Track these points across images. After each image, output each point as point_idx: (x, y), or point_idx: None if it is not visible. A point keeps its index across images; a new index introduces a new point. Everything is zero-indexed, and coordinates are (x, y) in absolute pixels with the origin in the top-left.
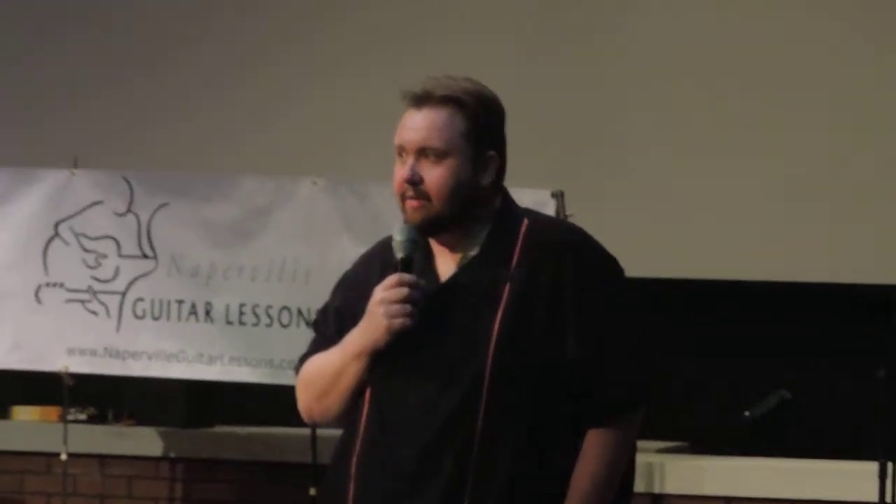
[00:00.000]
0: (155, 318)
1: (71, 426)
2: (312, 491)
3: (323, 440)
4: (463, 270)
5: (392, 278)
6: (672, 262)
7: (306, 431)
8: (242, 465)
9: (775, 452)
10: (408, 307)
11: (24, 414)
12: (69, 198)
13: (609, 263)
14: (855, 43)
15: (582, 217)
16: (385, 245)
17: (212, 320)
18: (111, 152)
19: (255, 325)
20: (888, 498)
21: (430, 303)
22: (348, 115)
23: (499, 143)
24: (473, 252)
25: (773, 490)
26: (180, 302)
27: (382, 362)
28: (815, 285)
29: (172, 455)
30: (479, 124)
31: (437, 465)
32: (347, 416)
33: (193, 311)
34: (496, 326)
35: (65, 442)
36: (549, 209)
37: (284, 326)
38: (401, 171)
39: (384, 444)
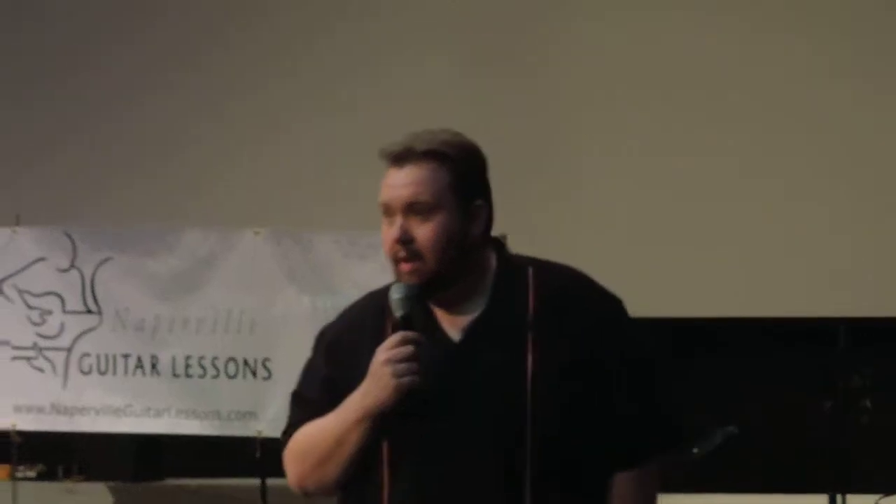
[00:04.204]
0: (101, 373)
1: (20, 483)
2: None
3: (273, 490)
4: (476, 327)
5: (395, 337)
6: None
7: (255, 482)
8: None
9: (725, 488)
10: (414, 365)
11: None
12: (12, 255)
13: (623, 308)
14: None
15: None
16: (374, 306)
17: (158, 373)
18: (53, 210)
19: (202, 376)
20: None
21: (446, 366)
22: (291, 167)
23: (485, 192)
24: (480, 307)
25: None
26: (126, 356)
27: (389, 419)
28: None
29: None
30: (464, 174)
31: None
32: (345, 484)
33: (140, 364)
34: (528, 381)
35: (14, 500)
36: None
37: (231, 377)
38: (390, 231)
39: None
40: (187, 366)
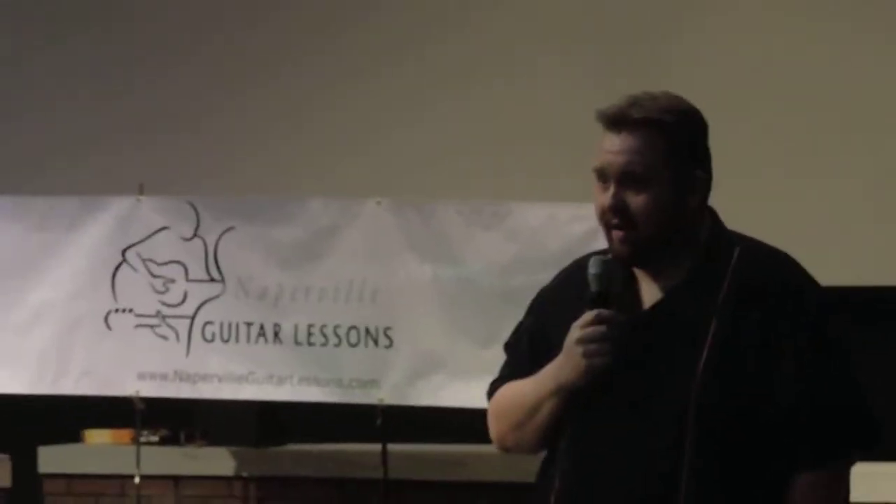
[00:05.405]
0: (224, 341)
1: (144, 448)
2: None
3: (394, 455)
4: (667, 299)
5: (589, 315)
6: None
7: (377, 447)
8: (314, 482)
9: None
10: (606, 346)
11: (97, 437)
12: (136, 224)
13: (818, 300)
14: None
15: None
16: (581, 267)
17: (280, 341)
18: (177, 180)
19: (324, 345)
20: None
21: (632, 331)
22: (414, 138)
23: (704, 160)
24: (679, 279)
25: None
26: (249, 324)
27: (582, 395)
28: None
29: (245, 474)
30: (682, 143)
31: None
32: (545, 446)
33: (262, 332)
34: (701, 362)
35: (138, 464)
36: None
37: (353, 346)
38: (602, 197)
39: (585, 480)
40: (309, 334)
